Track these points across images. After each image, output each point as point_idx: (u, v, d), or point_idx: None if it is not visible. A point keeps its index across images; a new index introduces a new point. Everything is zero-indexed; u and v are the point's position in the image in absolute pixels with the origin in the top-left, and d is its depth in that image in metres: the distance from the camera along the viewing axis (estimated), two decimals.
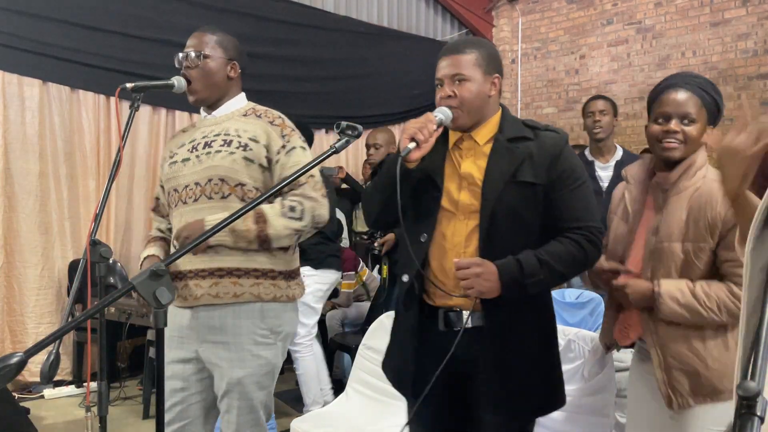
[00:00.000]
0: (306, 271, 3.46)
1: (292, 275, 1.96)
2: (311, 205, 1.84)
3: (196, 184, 1.87)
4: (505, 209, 1.62)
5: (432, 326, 1.70)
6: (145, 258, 2.01)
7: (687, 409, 1.65)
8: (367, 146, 4.20)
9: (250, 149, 1.85)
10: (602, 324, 1.93)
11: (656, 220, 1.71)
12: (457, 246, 1.66)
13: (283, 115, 1.96)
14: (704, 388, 1.64)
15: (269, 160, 1.88)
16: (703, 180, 1.68)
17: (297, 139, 1.91)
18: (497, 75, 1.71)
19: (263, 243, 1.80)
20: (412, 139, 1.56)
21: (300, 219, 1.82)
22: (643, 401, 1.83)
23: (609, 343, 1.87)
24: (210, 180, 1.85)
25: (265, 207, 1.80)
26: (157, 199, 2.11)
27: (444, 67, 1.68)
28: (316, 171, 1.87)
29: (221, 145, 1.87)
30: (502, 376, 1.64)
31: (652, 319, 1.70)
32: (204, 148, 1.90)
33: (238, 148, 1.85)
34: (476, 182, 1.65)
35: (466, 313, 1.65)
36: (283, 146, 1.88)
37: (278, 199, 1.85)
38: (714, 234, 1.63)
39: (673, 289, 1.62)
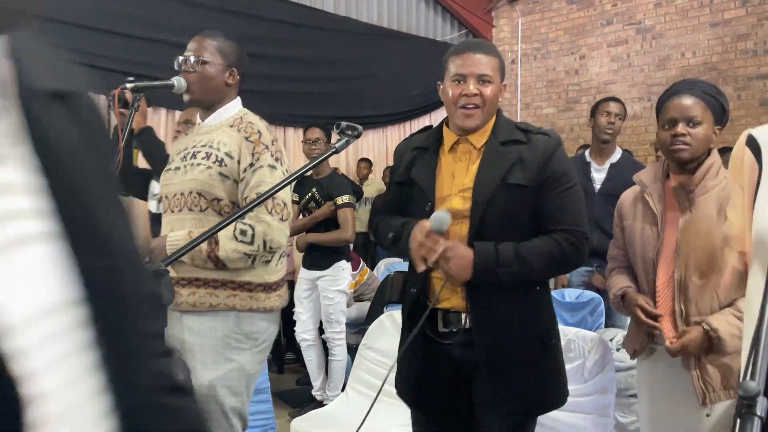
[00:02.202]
0: (342, 264, 3.68)
1: (273, 287, 1.93)
2: (262, 230, 1.81)
3: (181, 194, 1.89)
4: (497, 212, 1.60)
5: (431, 331, 1.71)
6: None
7: (717, 404, 1.71)
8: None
9: (225, 165, 1.85)
10: (629, 331, 1.95)
11: (684, 219, 1.76)
12: None
13: (263, 130, 1.91)
14: (735, 381, 1.69)
15: (242, 178, 1.87)
16: (725, 179, 1.75)
17: (268, 157, 1.86)
18: (505, 83, 1.73)
19: (216, 263, 1.81)
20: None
21: (250, 243, 1.80)
22: (662, 399, 1.84)
23: (638, 348, 1.89)
24: (191, 192, 1.86)
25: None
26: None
27: (471, 65, 1.63)
28: (281, 193, 1.80)
29: (203, 158, 1.87)
30: (495, 377, 1.64)
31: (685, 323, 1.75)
32: (191, 158, 1.90)
33: (215, 162, 1.85)
34: (467, 187, 1.65)
35: (463, 315, 1.66)
36: (251, 164, 1.84)
37: (234, 222, 1.79)
38: None
39: (728, 326, 1.67)
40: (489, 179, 1.62)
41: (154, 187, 2.79)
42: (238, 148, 1.85)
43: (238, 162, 1.85)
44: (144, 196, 2.86)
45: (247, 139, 1.86)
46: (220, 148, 1.86)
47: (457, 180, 1.67)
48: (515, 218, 1.63)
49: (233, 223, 1.77)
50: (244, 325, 1.86)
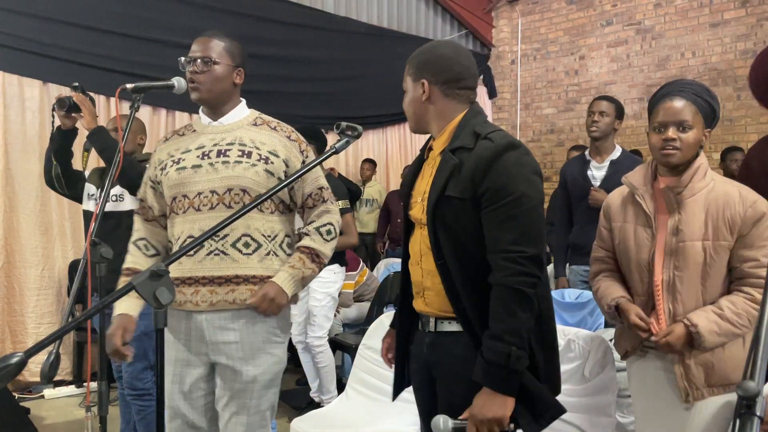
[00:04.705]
0: (335, 268, 3.69)
1: None
2: (336, 219, 2.03)
3: (212, 192, 1.88)
4: (443, 224, 1.54)
5: (413, 330, 1.74)
6: (118, 315, 1.86)
7: (700, 400, 1.74)
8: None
9: (271, 163, 1.91)
10: (621, 332, 1.94)
11: (674, 221, 1.77)
12: (414, 255, 1.68)
13: (294, 129, 2.06)
14: (718, 379, 1.73)
15: (287, 175, 1.94)
16: (713, 181, 1.78)
17: (312, 153, 2.03)
18: (424, 80, 1.67)
19: (321, 268, 2.01)
20: None
21: (336, 236, 2.03)
22: (651, 397, 1.86)
23: (630, 350, 1.90)
24: (230, 190, 1.87)
25: (309, 242, 1.96)
26: (142, 201, 2.05)
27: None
28: (325, 181, 2.05)
29: (240, 156, 1.89)
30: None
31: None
32: (218, 156, 1.90)
33: (259, 160, 1.90)
34: (425, 195, 1.62)
35: (432, 319, 1.64)
36: (303, 162, 1.96)
37: (311, 227, 1.99)
38: (734, 232, 1.71)
39: (708, 323, 1.69)
40: (434, 189, 1.57)
41: (90, 188, 2.88)
42: (284, 148, 1.96)
43: (285, 161, 1.94)
44: (79, 198, 2.91)
45: (288, 138, 1.98)
46: (260, 147, 1.93)
47: (417, 185, 1.70)
48: (460, 232, 1.53)
49: (312, 230, 1.98)
50: (279, 319, 1.94)
